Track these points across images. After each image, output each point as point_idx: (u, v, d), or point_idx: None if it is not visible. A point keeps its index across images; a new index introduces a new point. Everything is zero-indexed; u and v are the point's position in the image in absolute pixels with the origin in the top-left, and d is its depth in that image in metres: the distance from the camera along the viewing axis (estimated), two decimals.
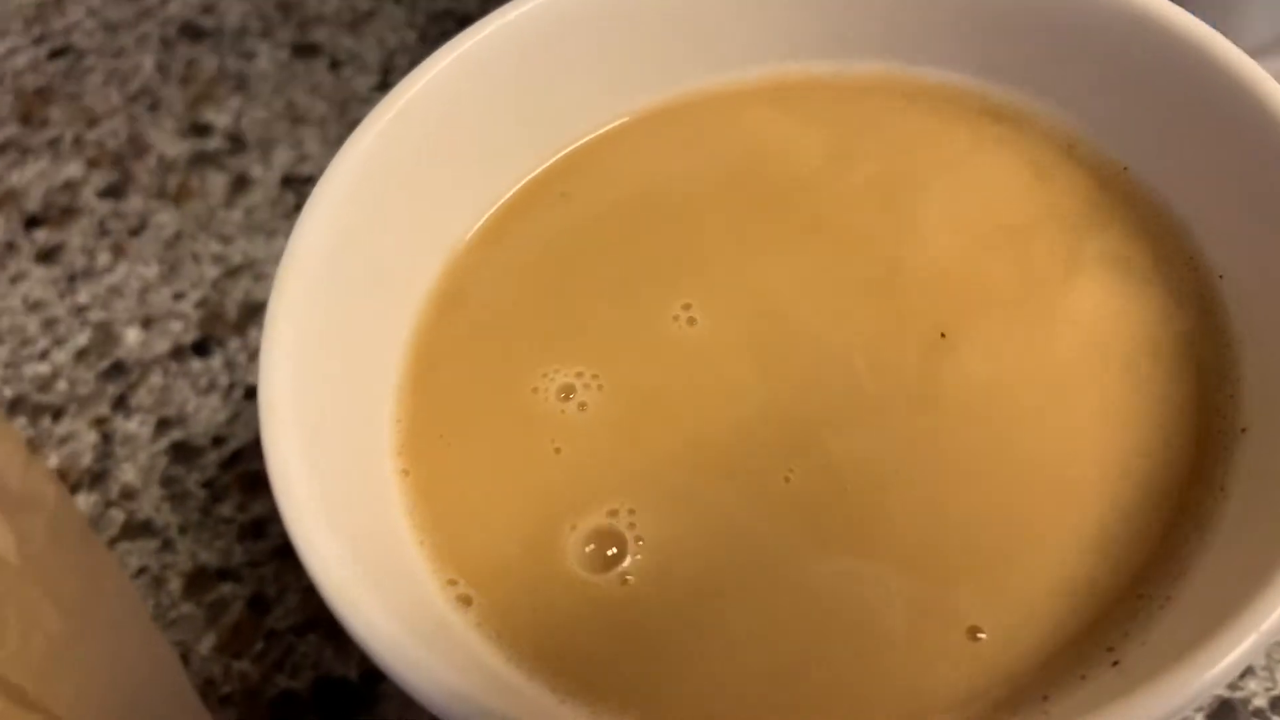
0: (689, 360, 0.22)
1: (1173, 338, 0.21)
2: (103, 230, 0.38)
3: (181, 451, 0.33)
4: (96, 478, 0.32)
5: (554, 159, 0.24)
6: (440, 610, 0.19)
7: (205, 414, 0.33)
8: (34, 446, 0.33)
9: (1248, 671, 0.27)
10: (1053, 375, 0.21)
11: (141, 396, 0.34)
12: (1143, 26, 0.22)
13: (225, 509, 0.32)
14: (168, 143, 0.40)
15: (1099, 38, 0.23)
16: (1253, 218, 0.21)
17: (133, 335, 0.35)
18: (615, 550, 0.20)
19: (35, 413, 0.34)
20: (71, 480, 0.32)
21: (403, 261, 0.22)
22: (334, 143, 0.39)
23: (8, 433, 0.32)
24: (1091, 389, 0.21)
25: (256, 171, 0.38)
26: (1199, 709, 0.27)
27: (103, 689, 0.27)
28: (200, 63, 0.42)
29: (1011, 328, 0.22)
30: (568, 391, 0.22)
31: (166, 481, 0.32)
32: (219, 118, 0.40)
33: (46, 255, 0.37)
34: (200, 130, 0.40)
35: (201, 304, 0.36)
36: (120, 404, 0.34)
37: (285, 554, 0.31)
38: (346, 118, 0.39)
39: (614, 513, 0.20)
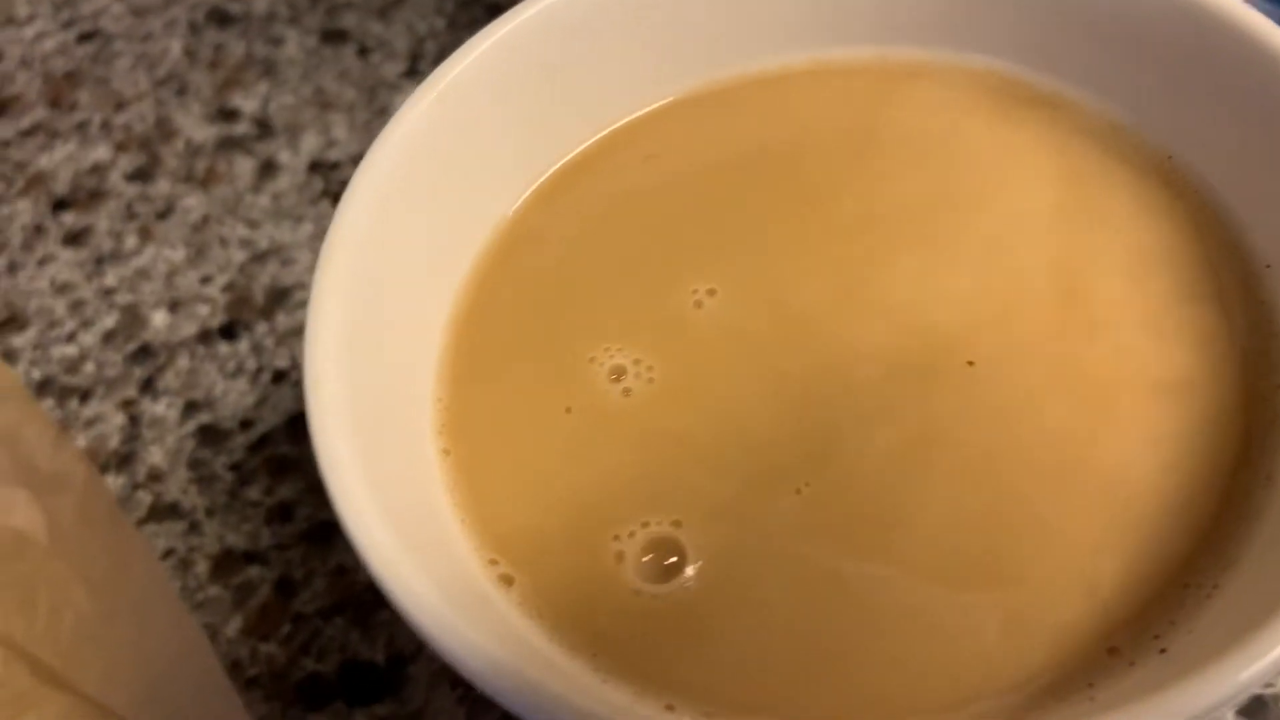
0: (729, 346, 0.22)
1: (1219, 328, 0.21)
2: (130, 213, 0.38)
3: (209, 434, 0.33)
4: (124, 460, 0.32)
5: (595, 138, 0.24)
6: (483, 588, 0.19)
7: (233, 397, 0.33)
8: (61, 428, 0.33)
9: None
10: (1094, 367, 0.21)
11: (169, 379, 0.34)
12: (1187, 10, 0.22)
13: (252, 492, 0.32)
14: (195, 127, 0.40)
15: (1142, 23, 0.23)
16: None
17: (160, 318, 0.35)
18: (661, 542, 0.20)
19: (63, 395, 0.34)
20: (99, 462, 0.32)
21: (444, 241, 0.22)
22: (362, 129, 0.39)
23: (37, 413, 0.32)
24: (1136, 375, 0.21)
25: (284, 157, 0.38)
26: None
27: (131, 669, 0.27)
28: (228, 48, 0.42)
29: (1049, 321, 0.22)
30: (618, 373, 0.22)
31: (194, 464, 0.32)
32: (247, 103, 0.40)
33: (74, 238, 0.37)
34: (228, 115, 0.40)
35: (229, 288, 0.36)
36: (147, 387, 0.34)
37: (312, 537, 0.31)
38: (375, 104, 0.39)
39: (657, 501, 0.20)
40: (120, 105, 0.41)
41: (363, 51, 0.41)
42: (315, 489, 0.32)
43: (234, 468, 0.32)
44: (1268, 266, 0.21)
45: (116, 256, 0.37)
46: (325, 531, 0.31)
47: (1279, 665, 0.16)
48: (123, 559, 0.29)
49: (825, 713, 0.18)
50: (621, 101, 0.24)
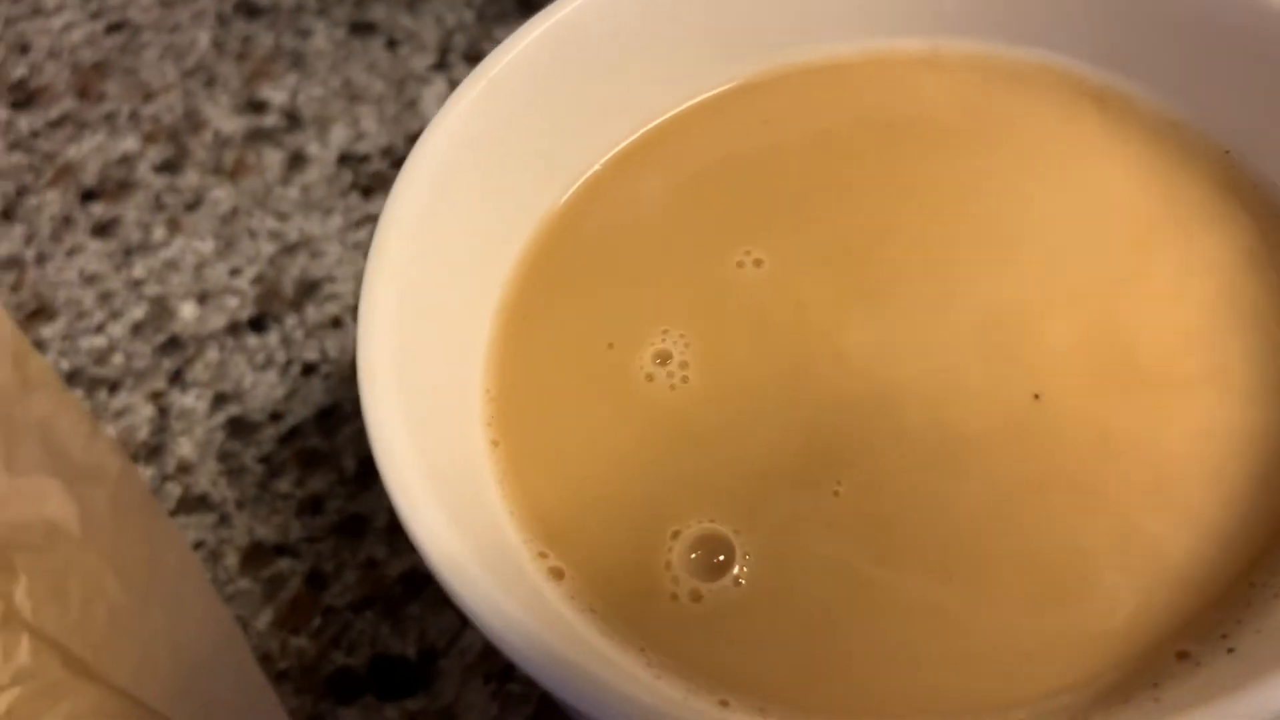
0: (780, 336, 0.22)
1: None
2: (159, 205, 0.37)
3: (238, 427, 0.33)
4: (153, 451, 0.32)
5: (643, 130, 0.24)
6: (534, 581, 0.19)
7: (262, 390, 0.33)
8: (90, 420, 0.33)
9: None
10: (1150, 361, 0.21)
11: (198, 371, 0.34)
12: (1250, 7, 0.21)
13: (282, 485, 0.31)
14: (223, 119, 0.39)
15: (1199, 18, 0.22)
16: None
17: (188, 310, 0.35)
18: (709, 539, 0.20)
19: (92, 386, 0.34)
20: (128, 454, 0.32)
21: (494, 230, 0.22)
22: (391, 122, 0.39)
23: (71, 404, 0.32)
24: (1207, 375, 0.20)
25: (313, 149, 0.38)
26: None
27: (164, 660, 0.27)
28: (256, 39, 0.42)
29: (1117, 324, 0.21)
30: (663, 359, 0.21)
31: (223, 456, 0.32)
32: (275, 95, 0.40)
33: (103, 229, 0.37)
34: (256, 107, 0.40)
35: (258, 280, 0.35)
36: (176, 378, 0.34)
37: (343, 530, 0.30)
38: (403, 97, 0.39)
39: (702, 497, 0.20)
40: (148, 96, 0.40)
41: (391, 44, 0.41)
42: (345, 482, 0.32)
43: (263, 460, 0.32)
44: None
45: (145, 248, 0.36)
46: (356, 524, 0.30)
47: None
48: (156, 550, 0.29)
49: (882, 710, 0.18)
50: (669, 93, 0.24)
